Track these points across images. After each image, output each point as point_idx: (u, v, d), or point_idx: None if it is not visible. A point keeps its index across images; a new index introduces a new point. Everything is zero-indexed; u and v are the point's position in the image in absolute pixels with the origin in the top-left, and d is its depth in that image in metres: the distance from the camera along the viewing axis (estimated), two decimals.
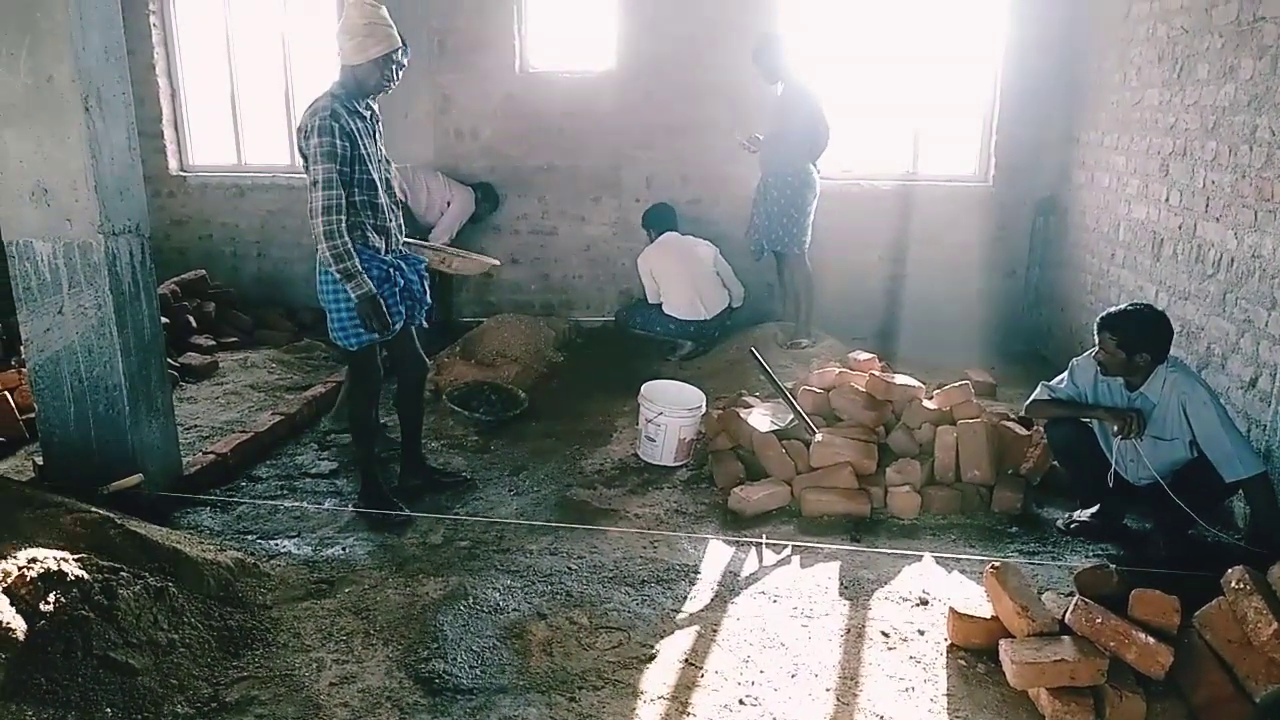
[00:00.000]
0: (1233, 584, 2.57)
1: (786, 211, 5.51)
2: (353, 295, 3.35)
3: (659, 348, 5.97)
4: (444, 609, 3.05)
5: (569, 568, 3.35)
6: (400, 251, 3.63)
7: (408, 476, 4.01)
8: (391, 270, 3.51)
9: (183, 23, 7.00)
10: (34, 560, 2.52)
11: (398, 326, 3.55)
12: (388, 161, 3.57)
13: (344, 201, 3.31)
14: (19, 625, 2.38)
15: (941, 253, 6.23)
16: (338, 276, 3.35)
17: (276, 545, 3.49)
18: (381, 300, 3.41)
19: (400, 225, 3.63)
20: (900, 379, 4.30)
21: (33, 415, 4.04)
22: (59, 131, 3.42)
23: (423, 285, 3.67)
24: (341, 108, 3.32)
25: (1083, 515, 3.67)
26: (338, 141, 3.26)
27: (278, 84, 6.85)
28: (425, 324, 3.77)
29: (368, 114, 3.47)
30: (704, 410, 4.38)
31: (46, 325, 3.59)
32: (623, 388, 5.22)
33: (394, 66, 3.36)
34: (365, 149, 3.38)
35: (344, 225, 3.31)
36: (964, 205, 6.21)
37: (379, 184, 3.44)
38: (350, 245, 3.32)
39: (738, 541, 3.57)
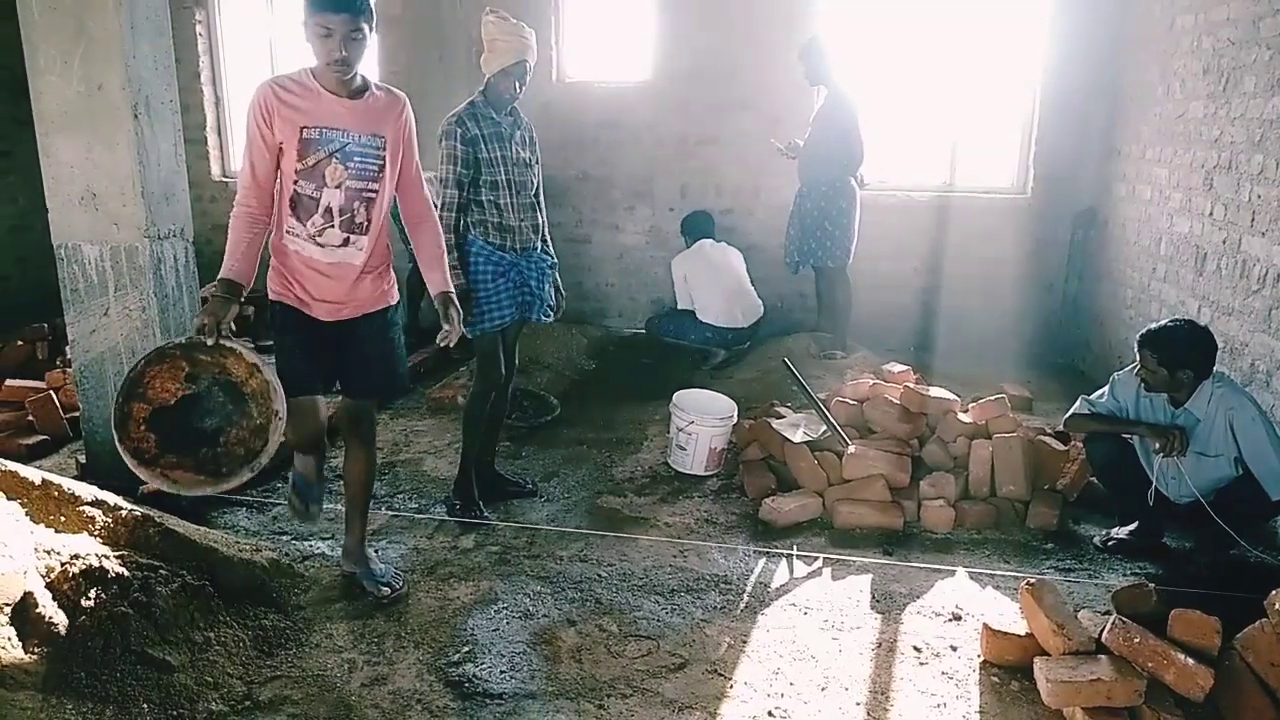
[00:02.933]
0: (1277, 605, 2.51)
1: (820, 224, 5.48)
2: None
3: (690, 356, 5.97)
4: (475, 613, 3.07)
5: (599, 575, 3.35)
6: (532, 251, 3.73)
7: (477, 479, 4.03)
8: (509, 267, 3.64)
9: (228, 31, 7.15)
10: (76, 557, 2.57)
11: (506, 319, 3.66)
12: (528, 166, 3.70)
13: (457, 201, 3.55)
14: (61, 620, 2.43)
15: (978, 265, 6.16)
16: None
17: (311, 546, 3.53)
18: (485, 293, 3.59)
19: (536, 226, 3.75)
20: (935, 391, 4.26)
21: (77, 414, 4.14)
22: (108, 138, 3.51)
23: (542, 285, 3.76)
24: (473, 115, 3.55)
25: (1121, 533, 3.61)
26: (458, 145, 3.51)
27: None
28: (545, 319, 3.85)
29: (508, 120, 3.63)
30: (735, 420, 4.36)
31: (92, 327, 3.68)
32: (654, 396, 5.23)
33: (518, 78, 3.53)
34: (494, 153, 3.56)
35: (452, 222, 3.55)
36: (1001, 217, 6.15)
37: (505, 186, 3.59)
38: (454, 242, 3.56)
39: (768, 552, 3.55)
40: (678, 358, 5.98)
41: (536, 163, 3.77)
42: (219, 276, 2.66)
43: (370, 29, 2.60)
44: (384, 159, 2.75)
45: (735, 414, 4.38)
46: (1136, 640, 2.56)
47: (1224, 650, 2.56)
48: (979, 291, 6.19)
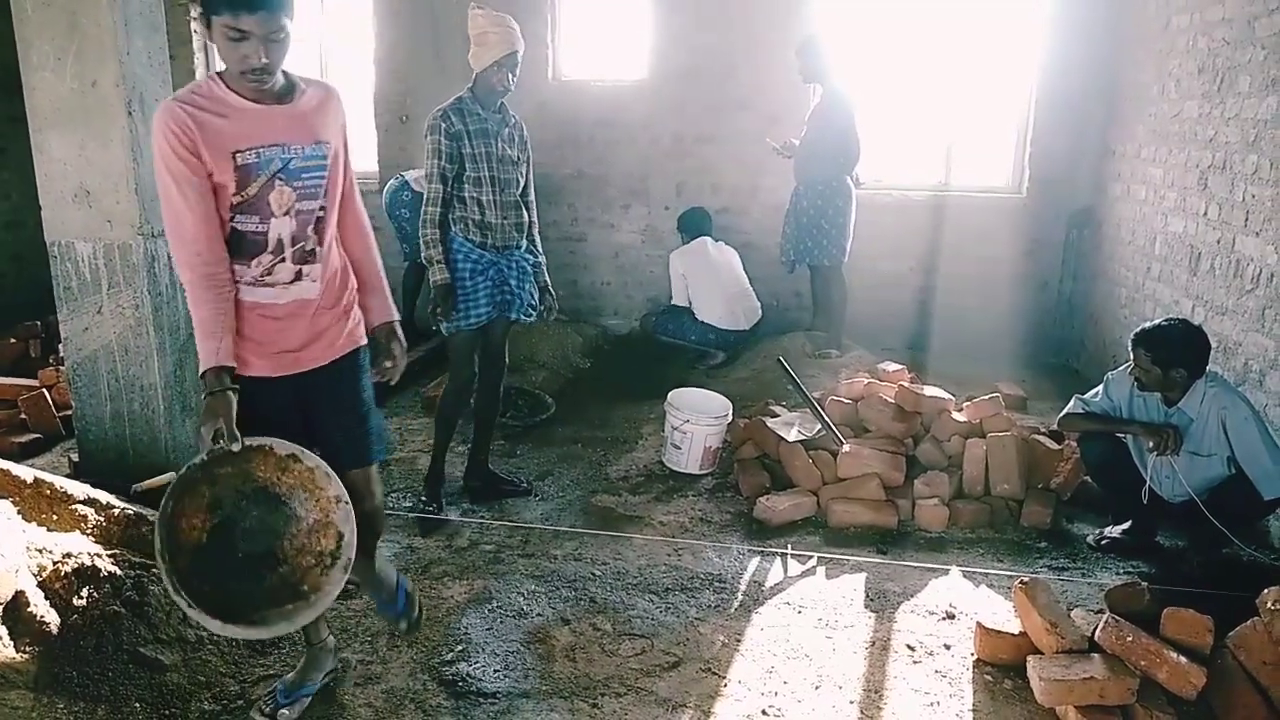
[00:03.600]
0: (1269, 604, 2.52)
1: (816, 223, 5.48)
2: (430, 280, 3.57)
3: (686, 356, 5.96)
4: (468, 612, 3.07)
5: (593, 574, 3.35)
6: (514, 250, 3.70)
7: (470, 477, 4.04)
8: (488, 265, 3.62)
9: None
10: (68, 555, 2.56)
11: (482, 317, 3.64)
12: (515, 164, 3.67)
13: (440, 195, 3.55)
14: (53, 619, 2.42)
15: (973, 264, 6.17)
16: (422, 259, 3.61)
17: None
18: (462, 291, 3.58)
19: (520, 224, 3.71)
20: (930, 390, 4.27)
21: (70, 413, 4.12)
22: (102, 135, 3.49)
23: (523, 284, 3.73)
24: (459, 110, 3.54)
25: (1114, 531, 3.62)
26: (442, 140, 3.50)
27: None
28: (525, 318, 3.82)
29: (495, 117, 3.60)
30: (730, 419, 4.36)
31: (85, 324, 3.66)
32: (649, 394, 5.22)
33: (509, 70, 3.50)
34: (479, 149, 3.54)
35: (436, 217, 3.55)
36: (997, 217, 6.15)
37: (488, 183, 3.57)
38: (438, 236, 3.56)
39: (762, 551, 3.55)
40: (674, 356, 5.97)
41: (525, 161, 3.75)
42: (204, 368, 2.13)
43: (292, 21, 2.09)
44: (329, 169, 2.28)
45: (730, 413, 4.38)
46: (1129, 639, 2.56)
47: (1216, 649, 2.57)
48: (974, 291, 6.19)
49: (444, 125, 3.50)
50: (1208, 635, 2.55)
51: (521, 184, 3.73)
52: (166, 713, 2.45)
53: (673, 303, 6.04)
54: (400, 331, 2.54)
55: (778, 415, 4.50)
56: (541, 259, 3.88)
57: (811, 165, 5.46)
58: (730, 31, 6.14)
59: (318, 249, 2.31)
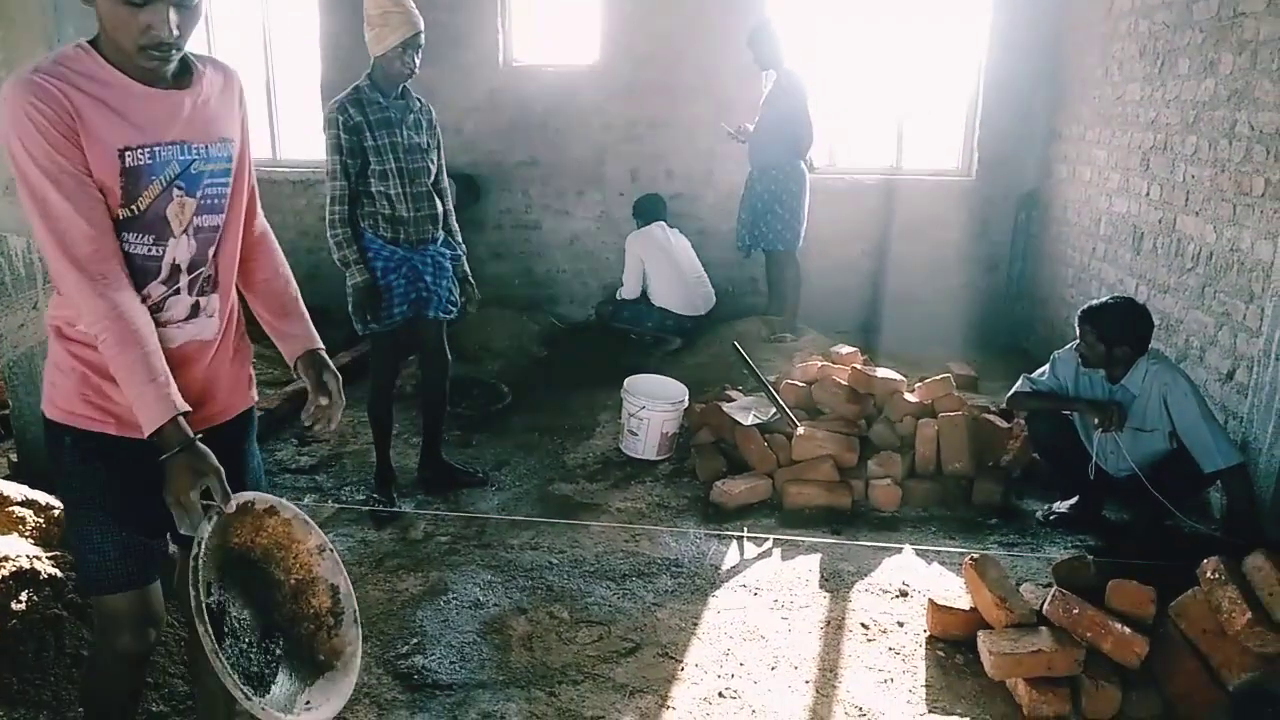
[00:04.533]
0: (1208, 574, 2.59)
1: (771, 208, 5.49)
2: (348, 283, 3.46)
3: (642, 343, 5.95)
4: (424, 605, 3.04)
5: (550, 562, 3.34)
6: (430, 245, 3.59)
7: (424, 469, 4.00)
8: (401, 262, 3.52)
9: None
10: (5, 559, 2.49)
11: (396, 318, 3.55)
12: (424, 152, 3.53)
13: (344, 193, 3.41)
14: None
15: (924, 247, 6.24)
16: (337, 264, 3.46)
17: None
18: (379, 290, 3.48)
19: (435, 217, 3.59)
20: (882, 372, 4.31)
21: (7, 412, 4.01)
22: None
23: (439, 280, 3.63)
24: (357, 100, 3.39)
25: (1062, 507, 3.69)
26: (341, 133, 3.36)
27: (259, 78, 6.79)
28: (444, 315, 3.71)
29: (398, 104, 3.46)
30: (686, 404, 4.37)
31: (21, 320, 3.55)
32: (606, 381, 5.21)
33: (414, 51, 3.36)
34: (382, 140, 3.40)
35: (344, 216, 3.42)
36: (947, 199, 6.22)
37: (396, 175, 3.44)
38: (348, 235, 3.43)
39: (719, 535, 3.57)
40: (630, 343, 5.96)
41: (436, 147, 3.60)
42: (155, 425, 1.60)
43: None
44: (234, 174, 1.81)
45: (686, 398, 4.38)
46: (1075, 611, 2.62)
47: (1159, 618, 2.63)
48: (926, 273, 6.27)
49: (341, 119, 3.33)
50: (1150, 606, 2.62)
51: (433, 172, 3.59)
52: (140, 690, 2.40)
53: (621, 295, 5.97)
54: (329, 361, 1.99)
55: (734, 400, 4.52)
56: (460, 250, 3.77)
57: (765, 150, 5.47)
58: (682, 16, 6.11)
59: (216, 275, 1.83)
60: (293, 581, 1.88)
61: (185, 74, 1.73)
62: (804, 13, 6.15)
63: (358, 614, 1.94)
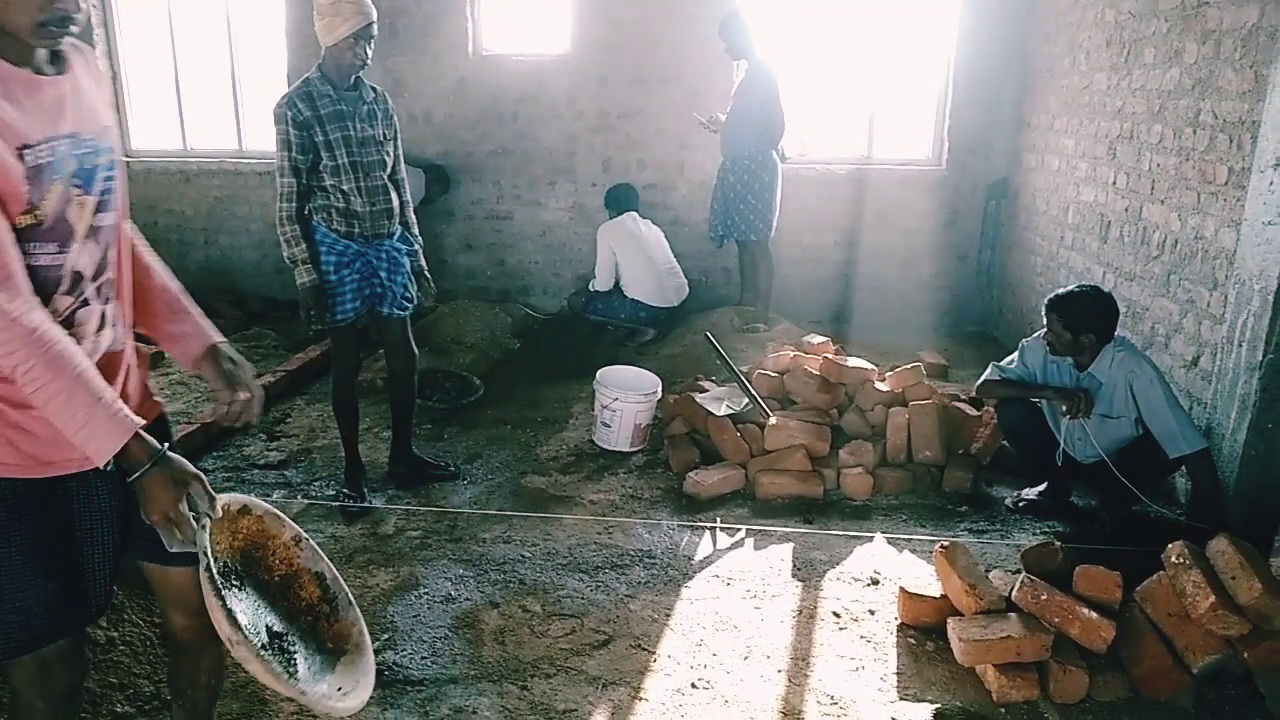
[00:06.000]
0: (1172, 559, 2.62)
1: (743, 198, 5.49)
2: (296, 281, 3.39)
3: (616, 334, 5.94)
4: (395, 600, 3.02)
5: (522, 556, 3.33)
6: (385, 239, 3.52)
7: (395, 464, 3.96)
8: (355, 257, 3.45)
9: (122, 2, 6.79)
10: None
11: (349, 313, 3.49)
12: (379, 144, 3.45)
13: (294, 190, 3.34)
14: None
15: (895, 236, 6.27)
16: (286, 262, 3.41)
17: None
18: (327, 287, 3.41)
19: (390, 210, 3.51)
20: (853, 361, 4.33)
21: None
22: None
23: (394, 276, 3.57)
24: (306, 94, 3.30)
25: (1031, 494, 3.73)
26: (290, 129, 3.28)
27: (224, 66, 6.68)
28: (399, 312, 3.65)
29: (350, 96, 3.38)
30: (659, 395, 4.36)
31: None
32: (579, 373, 5.20)
33: (366, 42, 3.28)
34: (334, 134, 3.33)
35: (292, 213, 3.35)
36: (918, 189, 6.25)
37: (349, 169, 3.36)
38: (297, 234, 3.36)
39: (692, 525, 3.57)
40: (604, 334, 5.94)
41: (392, 138, 3.53)
42: (114, 449, 1.48)
43: None
44: (116, 164, 1.64)
45: (659, 389, 4.37)
46: (1044, 597, 2.64)
47: (1125, 603, 2.67)
48: (897, 262, 6.30)
49: (290, 114, 3.25)
50: (1117, 590, 2.65)
51: (389, 165, 3.51)
52: (76, 718, 2.35)
53: (593, 287, 5.93)
54: (239, 356, 1.87)
55: (707, 390, 4.51)
56: (417, 245, 3.71)
57: (737, 140, 5.46)
58: (653, 4, 6.07)
59: (119, 278, 1.68)
60: (277, 578, 1.86)
61: (57, 55, 1.55)
62: (774, 2, 6.14)
63: (350, 596, 1.92)
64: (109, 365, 1.64)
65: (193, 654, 1.93)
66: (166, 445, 1.56)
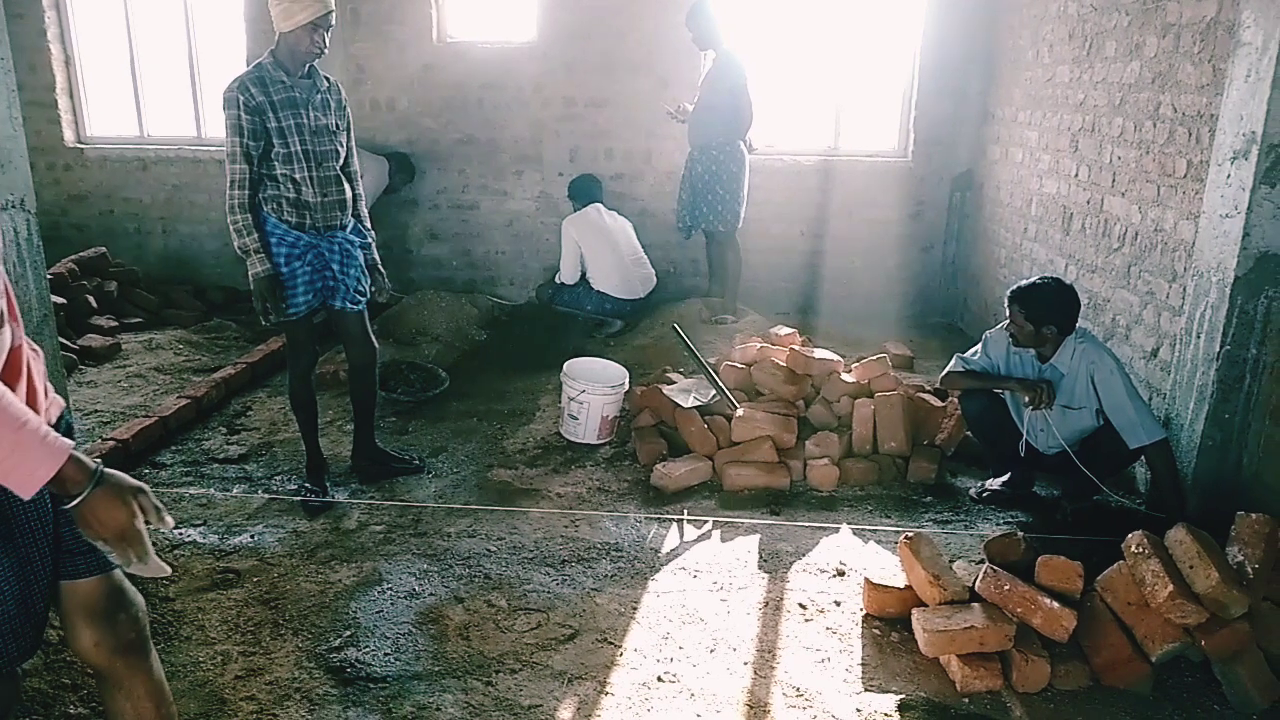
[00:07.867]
0: (1132, 548, 2.66)
1: (711, 188, 5.48)
2: (249, 272, 3.32)
3: (584, 325, 5.90)
4: (357, 596, 2.98)
5: (488, 550, 3.30)
6: (338, 231, 3.45)
7: (358, 457, 3.90)
8: (306, 249, 3.38)
9: None
10: None
11: (300, 308, 3.43)
12: (333, 134, 3.39)
13: (246, 177, 3.26)
14: None
15: (862, 228, 6.29)
16: (237, 252, 3.33)
17: (180, 534, 3.35)
18: (281, 281, 3.35)
19: (343, 201, 3.44)
20: (820, 353, 4.34)
21: None
22: None
23: (346, 269, 3.50)
24: (259, 79, 3.23)
25: (994, 484, 3.76)
26: (242, 114, 3.20)
27: (181, 51, 6.53)
28: (353, 306, 3.58)
29: (304, 84, 3.31)
30: (627, 387, 4.34)
31: None
32: (546, 365, 5.17)
33: (324, 31, 3.22)
34: (287, 121, 3.26)
35: (244, 201, 3.27)
36: (884, 181, 6.28)
37: (301, 158, 3.30)
38: (249, 223, 3.29)
39: (659, 518, 3.56)
40: (572, 326, 5.91)
41: (345, 129, 3.48)
42: (51, 472, 1.38)
43: None
44: None
45: (627, 381, 4.35)
46: (1006, 587, 2.67)
47: (1086, 592, 2.70)
48: (863, 254, 6.33)
49: (242, 98, 3.18)
50: (1078, 580, 2.68)
51: (342, 155, 3.46)
52: None
53: (559, 280, 5.88)
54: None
55: (674, 382, 4.51)
56: (371, 237, 3.65)
57: (705, 130, 5.44)
58: None
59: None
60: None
61: None
62: None
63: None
64: (14, 363, 1.53)
65: (122, 684, 1.80)
66: (100, 460, 1.49)
